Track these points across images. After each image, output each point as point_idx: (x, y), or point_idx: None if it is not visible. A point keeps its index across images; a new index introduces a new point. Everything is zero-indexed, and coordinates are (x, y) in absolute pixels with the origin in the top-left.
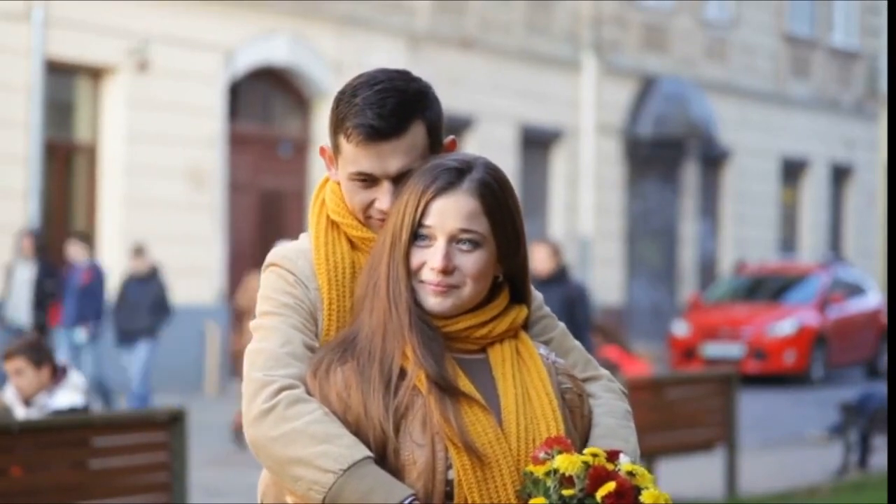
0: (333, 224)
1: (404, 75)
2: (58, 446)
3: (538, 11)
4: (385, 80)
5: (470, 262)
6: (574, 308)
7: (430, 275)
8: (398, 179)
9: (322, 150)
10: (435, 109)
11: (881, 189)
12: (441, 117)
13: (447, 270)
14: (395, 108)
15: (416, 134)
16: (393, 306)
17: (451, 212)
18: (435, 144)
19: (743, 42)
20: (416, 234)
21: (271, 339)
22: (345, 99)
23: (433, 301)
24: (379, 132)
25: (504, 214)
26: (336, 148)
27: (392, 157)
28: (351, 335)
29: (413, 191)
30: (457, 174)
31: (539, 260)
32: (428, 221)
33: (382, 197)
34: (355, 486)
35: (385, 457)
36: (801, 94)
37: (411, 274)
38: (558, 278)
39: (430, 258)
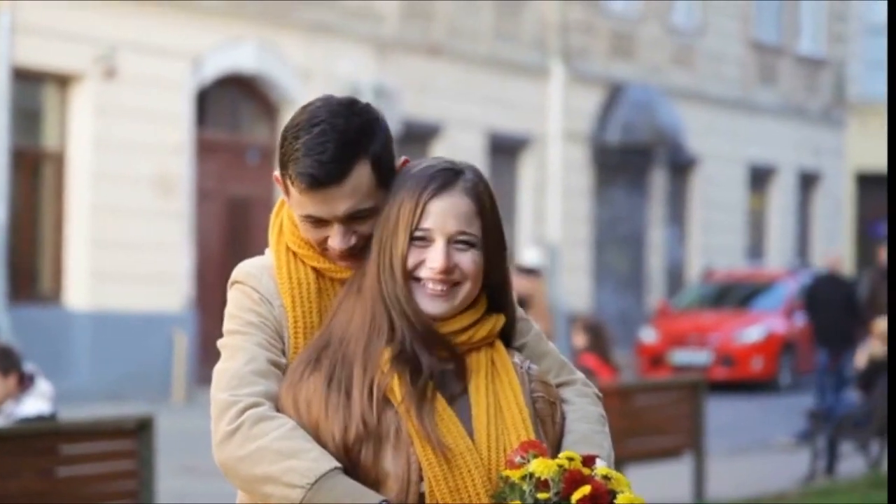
0: (292, 250)
1: (347, 109)
2: (25, 454)
3: (506, 18)
4: (326, 118)
5: (467, 260)
6: None
7: (428, 273)
8: (349, 219)
9: (277, 179)
10: (380, 141)
11: (847, 196)
12: (388, 145)
13: (448, 270)
14: (334, 153)
15: (360, 175)
16: (382, 310)
17: (450, 212)
18: (384, 176)
19: (710, 49)
20: (412, 237)
21: (236, 358)
22: (288, 139)
23: (431, 304)
24: (319, 181)
25: (494, 219)
26: (285, 186)
27: (337, 202)
28: (322, 342)
29: (408, 193)
30: (452, 174)
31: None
32: (426, 224)
33: (334, 236)
34: (324, 498)
35: (356, 466)
36: (769, 102)
37: (408, 276)
38: None
39: (428, 258)
